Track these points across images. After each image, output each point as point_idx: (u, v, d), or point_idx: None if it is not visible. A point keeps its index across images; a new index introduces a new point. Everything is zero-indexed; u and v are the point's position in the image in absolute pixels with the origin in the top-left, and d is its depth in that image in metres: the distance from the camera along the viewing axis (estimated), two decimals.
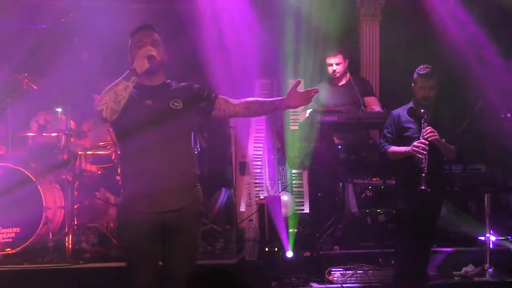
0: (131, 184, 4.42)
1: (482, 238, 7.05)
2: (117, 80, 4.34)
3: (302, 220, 7.11)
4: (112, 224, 7.15)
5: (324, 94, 7.65)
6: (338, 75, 7.78)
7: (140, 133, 4.34)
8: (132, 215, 4.37)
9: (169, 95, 4.48)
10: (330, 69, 7.77)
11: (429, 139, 5.94)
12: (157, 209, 4.33)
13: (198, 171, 4.59)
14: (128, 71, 4.36)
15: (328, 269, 6.69)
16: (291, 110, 7.48)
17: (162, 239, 4.42)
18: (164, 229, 4.39)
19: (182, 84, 4.63)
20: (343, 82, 7.87)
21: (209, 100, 4.55)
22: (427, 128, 5.98)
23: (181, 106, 4.44)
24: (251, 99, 4.62)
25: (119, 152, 6.31)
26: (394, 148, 6.19)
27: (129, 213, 4.40)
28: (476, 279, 6.87)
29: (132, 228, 4.38)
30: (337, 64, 7.75)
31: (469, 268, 6.95)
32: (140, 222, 4.33)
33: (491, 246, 6.98)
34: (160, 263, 4.49)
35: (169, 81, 4.60)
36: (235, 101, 4.59)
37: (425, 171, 5.89)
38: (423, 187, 5.90)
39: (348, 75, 7.87)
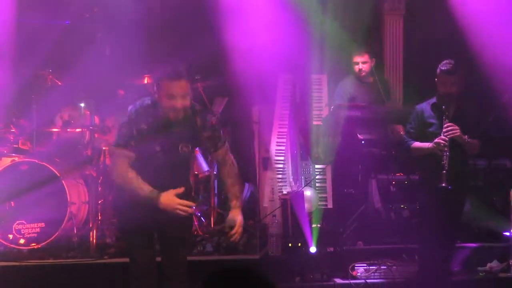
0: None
1: (507, 233, 7.02)
2: None
3: (325, 215, 7.07)
4: None
5: (352, 88, 7.80)
6: (364, 73, 7.87)
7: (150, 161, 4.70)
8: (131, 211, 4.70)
9: (181, 137, 4.73)
10: (357, 67, 7.86)
11: (448, 136, 5.92)
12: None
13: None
14: None
15: (352, 265, 6.69)
16: (315, 105, 7.55)
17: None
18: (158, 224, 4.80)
19: (201, 117, 4.81)
20: (371, 80, 7.92)
21: (215, 147, 4.94)
22: (447, 124, 5.94)
23: (189, 151, 4.79)
24: (230, 179, 5.05)
25: None
26: (417, 144, 6.15)
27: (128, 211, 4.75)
28: (501, 274, 6.86)
29: (131, 216, 4.68)
30: (363, 63, 7.84)
31: (494, 264, 6.91)
32: (139, 215, 4.63)
33: None
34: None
35: (191, 111, 4.73)
36: (228, 161, 5.02)
37: (446, 168, 5.86)
38: (443, 184, 5.87)
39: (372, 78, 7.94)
